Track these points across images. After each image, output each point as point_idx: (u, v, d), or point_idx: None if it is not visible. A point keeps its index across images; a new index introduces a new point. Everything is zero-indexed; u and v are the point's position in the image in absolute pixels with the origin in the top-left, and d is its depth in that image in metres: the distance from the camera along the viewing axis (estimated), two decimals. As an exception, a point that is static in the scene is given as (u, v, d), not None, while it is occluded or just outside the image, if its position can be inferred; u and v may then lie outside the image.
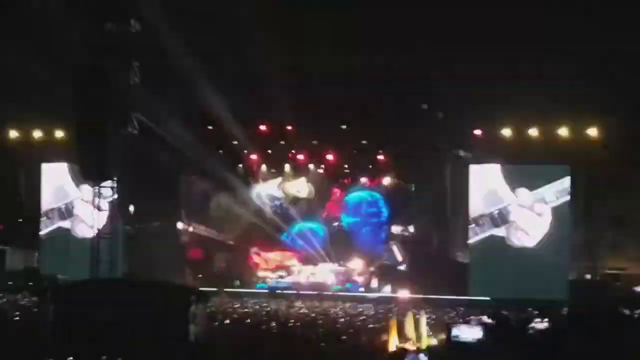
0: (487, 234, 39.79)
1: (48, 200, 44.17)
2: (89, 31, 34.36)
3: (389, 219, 45.33)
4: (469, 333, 22.24)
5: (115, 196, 36.64)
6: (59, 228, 44.09)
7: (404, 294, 39.66)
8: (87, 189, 40.64)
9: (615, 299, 33.59)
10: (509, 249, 39.51)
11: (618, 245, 38.99)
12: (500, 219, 39.68)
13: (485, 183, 39.91)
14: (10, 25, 36.71)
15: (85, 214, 42.16)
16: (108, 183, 35.65)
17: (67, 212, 44.09)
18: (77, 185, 43.19)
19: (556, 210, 39.11)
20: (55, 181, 44.09)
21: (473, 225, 39.87)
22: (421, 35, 35.53)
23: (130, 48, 35.05)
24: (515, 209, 39.54)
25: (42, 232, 44.04)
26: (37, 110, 40.43)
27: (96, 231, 36.56)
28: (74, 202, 43.80)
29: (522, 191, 39.38)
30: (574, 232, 38.81)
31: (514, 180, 39.56)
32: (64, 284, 35.48)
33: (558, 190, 38.94)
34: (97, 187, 35.75)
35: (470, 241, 40.05)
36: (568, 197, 38.79)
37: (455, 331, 22.48)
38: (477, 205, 39.98)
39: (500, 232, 39.76)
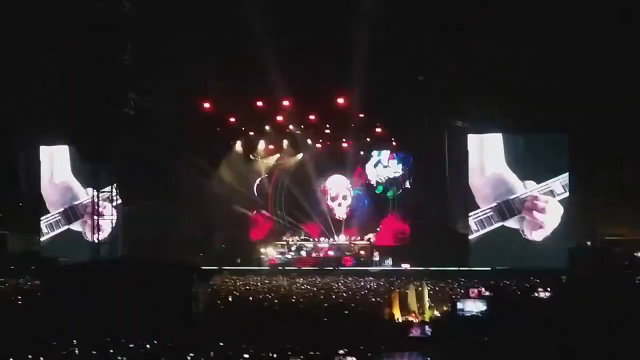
0: (496, 225, 40.01)
1: (47, 187, 44.53)
2: (81, 11, 34.26)
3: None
4: (473, 306, 22.38)
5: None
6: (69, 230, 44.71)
7: (405, 266, 39.77)
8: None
9: (616, 266, 33.70)
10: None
11: (617, 212, 39.02)
12: (509, 211, 39.95)
13: (486, 157, 40.06)
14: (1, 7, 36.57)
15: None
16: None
17: (72, 215, 44.57)
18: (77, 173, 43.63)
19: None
20: (54, 164, 44.23)
21: (478, 216, 40.15)
22: (419, 5, 35.44)
23: (123, 28, 34.97)
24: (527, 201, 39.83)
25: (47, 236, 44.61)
26: (32, 92, 40.25)
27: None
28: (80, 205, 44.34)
29: (530, 184, 39.57)
30: (572, 199, 38.97)
31: (512, 152, 39.78)
32: (65, 266, 35.49)
33: (566, 184, 39.20)
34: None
35: (473, 236, 40.28)
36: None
37: (460, 305, 22.62)
38: (479, 185, 40.27)
39: (511, 223, 39.97)
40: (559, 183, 39.16)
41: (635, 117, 36.70)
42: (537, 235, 39.31)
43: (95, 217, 38.43)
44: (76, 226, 44.52)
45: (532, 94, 38.35)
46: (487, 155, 40.13)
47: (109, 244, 36.82)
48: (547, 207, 39.27)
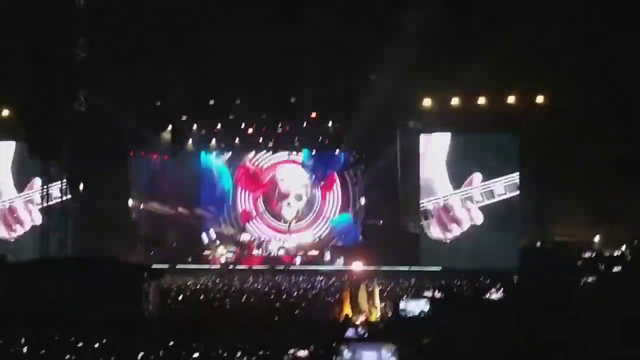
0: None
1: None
2: (33, 6, 33.94)
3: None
4: (415, 306, 22.54)
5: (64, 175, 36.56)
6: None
7: (356, 266, 39.80)
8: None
9: (565, 266, 33.99)
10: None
11: (567, 213, 39.38)
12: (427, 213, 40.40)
13: (437, 157, 40.29)
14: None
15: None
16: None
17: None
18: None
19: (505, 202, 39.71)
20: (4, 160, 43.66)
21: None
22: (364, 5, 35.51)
23: (76, 24, 34.67)
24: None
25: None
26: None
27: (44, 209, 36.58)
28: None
29: (476, 178, 39.87)
30: (523, 199, 39.29)
31: (463, 151, 40.02)
32: (12, 263, 35.10)
33: (508, 185, 39.45)
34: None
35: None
36: (517, 192, 39.41)
37: (402, 305, 22.78)
38: (428, 184, 40.52)
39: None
40: (501, 184, 39.50)
41: (587, 117, 37.02)
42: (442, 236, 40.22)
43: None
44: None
45: (484, 94, 38.64)
46: (438, 156, 40.32)
47: (58, 241, 36.38)
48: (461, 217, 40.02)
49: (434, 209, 40.02)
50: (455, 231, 39.89)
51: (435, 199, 39.99)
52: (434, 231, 40.10)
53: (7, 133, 41.56)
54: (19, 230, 41.54)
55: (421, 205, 40.15)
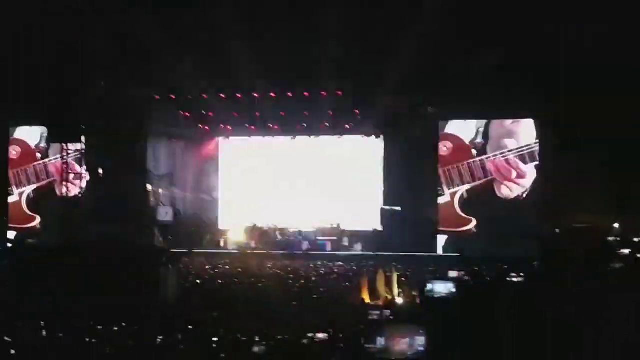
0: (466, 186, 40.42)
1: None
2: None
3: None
4: (443, 288, 22.34)
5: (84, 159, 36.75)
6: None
7: (374, 252, 39.78)
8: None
9: (585, 253, 33.76)
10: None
11: (586, 199, 39.13)
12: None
13: (455, 143, 40.25)
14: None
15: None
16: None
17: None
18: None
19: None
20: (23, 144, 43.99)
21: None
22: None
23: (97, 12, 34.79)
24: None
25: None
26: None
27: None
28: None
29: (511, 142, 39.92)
30: (542, 186, 39.19)
31: (482, 138, 39.96)
32: (31, 247, 35.22)
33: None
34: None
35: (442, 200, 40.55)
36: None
37: (429, 286, 22.58)
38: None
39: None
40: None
41: (605, 103, 36.66)
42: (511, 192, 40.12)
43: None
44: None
45: (501, 79, 38.29)
46: (455, 141, 40.36)
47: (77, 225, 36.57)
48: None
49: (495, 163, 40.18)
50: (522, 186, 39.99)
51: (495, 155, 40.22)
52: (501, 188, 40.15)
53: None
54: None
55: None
